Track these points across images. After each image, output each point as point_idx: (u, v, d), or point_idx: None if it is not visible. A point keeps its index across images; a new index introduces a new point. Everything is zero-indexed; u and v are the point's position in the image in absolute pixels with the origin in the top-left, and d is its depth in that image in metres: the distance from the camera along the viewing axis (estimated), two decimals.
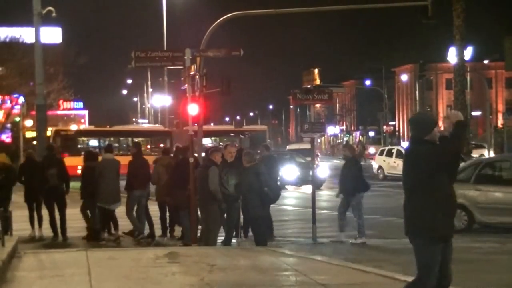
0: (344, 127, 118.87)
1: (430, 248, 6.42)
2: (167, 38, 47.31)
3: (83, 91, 77.72)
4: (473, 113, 61.97)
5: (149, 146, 46.60)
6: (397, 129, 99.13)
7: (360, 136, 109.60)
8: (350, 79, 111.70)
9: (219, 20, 23.44)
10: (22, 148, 40.64)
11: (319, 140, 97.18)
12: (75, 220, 16.30)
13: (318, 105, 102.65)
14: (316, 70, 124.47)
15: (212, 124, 52.99)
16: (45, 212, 16.33)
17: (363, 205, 15.35)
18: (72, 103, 76.30)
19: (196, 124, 16.82)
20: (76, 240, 15.75)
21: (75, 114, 79.10)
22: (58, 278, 10.10)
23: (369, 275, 10.21)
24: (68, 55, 56.26)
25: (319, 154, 49.24)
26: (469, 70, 54.91)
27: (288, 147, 55.24)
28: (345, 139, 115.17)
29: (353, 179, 15.23)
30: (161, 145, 46.52)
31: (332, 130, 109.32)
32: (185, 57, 15.71)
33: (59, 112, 69.97)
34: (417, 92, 77.40)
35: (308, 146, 31.07)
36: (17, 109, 57.03)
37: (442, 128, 6.85)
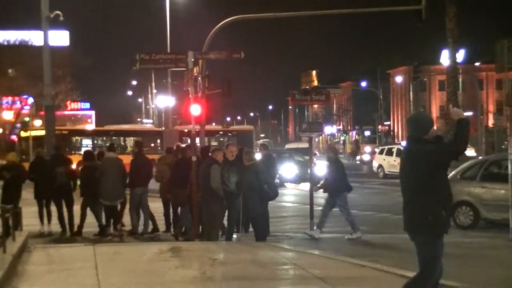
0: (341, 127, 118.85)
1: (435, 244, 6.40)
2: (170, 41, 47.30)
3: (89, 92, 77.65)
4: (465, 114, 61.81)
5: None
6: (391, 128, 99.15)
7: (356, 136, 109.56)
8: (346, 81, 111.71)
9: (220, 24, 23.43)
10: (17, 146, 40.45)
11: (317, 139, 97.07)
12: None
13: (316, 106, 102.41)
14: (314, 72, 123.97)
15: (214, 124, 52.95)
16: (53, 209, 16.37)
17: (348, 203, 15.34)
18: (79, 103, 76.22)
19: (191, 124, 16.71)
20: (84, 235, 15.75)
21: (82, 114, 78.98)
22: (66, 271, 10.11)
23: (365, 269, 10.21)
24: (75, 58, 56.29)
25: (317, 153, 49.20)
26: (461, 72, 54.83)
27: (287, 146, 55.20)
28: (342, 138, 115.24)
29: (337, 180, 15.19)
30: (152, 145, 46.39)
31: (329, 129, 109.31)
32: (188, 60, 15.73)
33: (66, 112, 69.96)
34: (411, 93, 77.39)
35: (306, 145, 31.04)
36: (26, 110, 57.09)
37: (435, 128, 6.81)
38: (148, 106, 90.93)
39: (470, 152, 47.08)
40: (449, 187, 6.56)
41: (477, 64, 70.44)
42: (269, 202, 14.35)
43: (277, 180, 17.08)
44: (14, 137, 53.46)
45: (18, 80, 55.59)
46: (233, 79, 23.95)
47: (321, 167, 34.55)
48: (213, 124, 53.74)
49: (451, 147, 6.47)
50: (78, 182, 16.75)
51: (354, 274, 9.81)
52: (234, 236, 14.01)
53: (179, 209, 15.68)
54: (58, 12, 22.99)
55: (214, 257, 11.07)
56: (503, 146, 52.21)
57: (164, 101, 68.34)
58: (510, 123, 15.10)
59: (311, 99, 17.22)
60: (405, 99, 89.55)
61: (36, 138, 41.81)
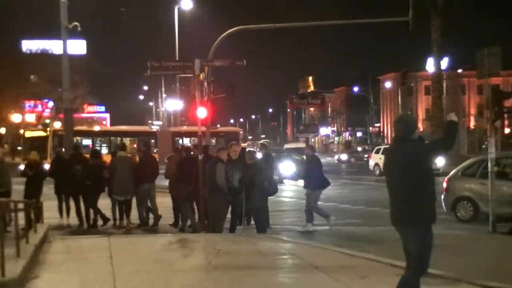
0: (335, 128, 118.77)
1: (430, 235, 6.33)
2: (178, 48, 47.32)
3: (105, 96, 77.75)
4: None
5: (135, 145, 46.03)
6: (382, 130, 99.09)
7: (349, 136, 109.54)
8: (340, 86, 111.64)
9: (224, 34, 23.42)
10: (22, 146, 40.29)
11: (313, 140, 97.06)
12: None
13: (312, 109, 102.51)
14: (310, 78, 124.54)
15: (218, 125, 52.92)
16: (72, 203, 16.37)
17: (318, 200, 15.32)
18: (95, 107, 76.32)
19: (187, 125, 16.74)
20: (101, 227, 15.75)
21: (98, 116, 79.01)
22: (83, 260, 10.13)
23: (358, 258, 10.20)
24: (91, 65, 56.33)
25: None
26: (445, 78, 54.84)
27: (285, 146, 55.21)
28: (336, 138, 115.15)
29: (314, 175, 15.15)
30: (135, 145, 46.07)
31: (325, 131, 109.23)
32: (195, 66, 15.74)
33: (84, 115, 70.01)
34: (399, 97, 77.31)
35: (303, 145, 31.07)
36: (47, 112, 57.13)
37: (421, 130, 6.78)
38: (158, 109, 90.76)
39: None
40: (434, 181, 6.52)
41: (459, 71, 70.38)
42: (269, 197, 14.34)
43: (276, 177, 17.04)
44: None
45: (40, 85, 55.72)
46: (236, 85, 23.90)
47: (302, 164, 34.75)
48: (218, 125, 53.64)
49: (441, 144, 6.45)
50: None
51: (347, 263, 9.81)
52: (237, 228, 14.02)
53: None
54: (76, 23, 23.02)
55: (219, 248, 11.07)
56: (483, 146, 52.16)
57: (173, 104, 68.36)
58: (490, 125, 15.08)
59: (308, 102, 17.31)
60: (394, 102, 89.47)
61: (38, 138, 41.74)
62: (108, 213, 16.05)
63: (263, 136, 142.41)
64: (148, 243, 12.37)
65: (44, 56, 52.76)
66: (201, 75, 15.97)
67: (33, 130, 44.78)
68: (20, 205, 11.46)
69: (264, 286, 8.17)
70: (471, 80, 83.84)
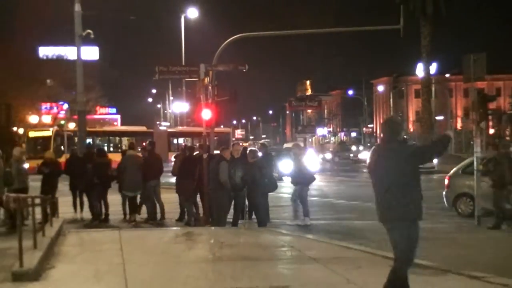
0: (331, 129, 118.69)
1: (417, 231, 6.29)
2: (184, 54, 47.30)
3: (116, 99, 77.63)
4: (437, 118, 61.79)
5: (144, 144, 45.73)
6: (374, 130, 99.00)
7: (344, 136, 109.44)
8: (336, 89, 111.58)
9: (228, 40, 23.37)
10: (26, 146, 39.99)
11: (310, 140, 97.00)
12: (111, 206, 16.25)
13: (309, 111, 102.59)
14: (308, 82, 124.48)
15: (222, 126, 52.88)
16: (85, 199, 16.36)
17: (306, 197, 15.23)
18: (107, 109, 76.17)
19: (184, 126, 16.73)
20: (112, 222, 15.73)
21: (109, 118, 78.85)
22: (96, 252, 10.13)
23: (352, 250, 10.19)
24: (104, 69, 56.31)
25: (312, 150, 49.08)
26: (434, 82, 54.79)
27: (285, 145, 55.09)
28: (332, 138, 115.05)
29: (301, 172, 15.11)
30: (144, 144, 45.84)
31: (321, 131, 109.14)
32: (200, 71, 15.72)
33: (96, 116, 69.90)
34: (391, 100, 77.27)
35: (301, 144, 31.02)
36: (62, 114, 57.10)
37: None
38: (165, 111, 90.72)
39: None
40: (421, 180, 6.48)
41: (447, 75, 70.27)
42: (269, 193, 14.33)
43: (276, 174, 17.02)
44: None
45: (55, 89, 55.80)
46: (239, 88, 23.93)
47: (313, 163, 34.70)
48: (222, 126, 53.62)
49: (431, 149, 6.41)
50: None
51: (343, 255, 9.79)
52: (239, 222, 14.01)
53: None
54: (89, 31, 23.00)
55: (222, 240, 11.06)
56: (471, 142, 51.97)
57: (179, 106, 68.35)
58: (476, 126, 15.07)
59: (306, 105, 17.34)
60: (386, 105, 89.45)
61: (41, 138, 41.54)
62: (114, 209, 16.02)
63: (263, 136, 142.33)
64: (156, 236, 12.37)
65: (59, 61, 52.70)
66: (205, 79, 15.95)
67: (36, 130, 44.47)
68: (37, 201, 11.46)
69: (264, 276, 8.16)
70: (458, 84, 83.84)
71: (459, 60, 15.82)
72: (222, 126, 47.64)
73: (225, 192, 13.26)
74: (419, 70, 48.94)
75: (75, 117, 38.62)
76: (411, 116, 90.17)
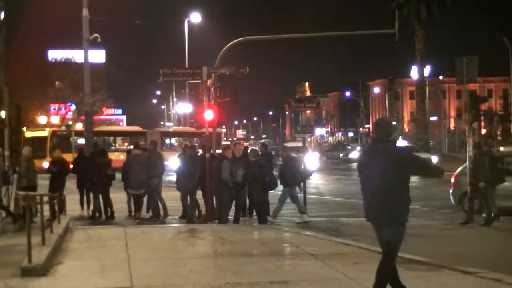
0: (329, 129, 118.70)
1: (403, 230, 6.23)
2: (188, 56, 47.27)
3: (122, 100, 77.61)
4: (431, 118, 61.77)
5: (126, 144, 45.45)
6: (371, 131, 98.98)
7: (342, 136, 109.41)
8: (334, 91, 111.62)
9: (229, 44, 23.32)
10: (22, 146, 39.86)
11: (309, 140, 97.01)
12: (116, 203, 16.23)
13: (308, 112, 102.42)
14: (307, 84, 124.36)
15: (223, 127, 52.83)
16: (92, 197, 16.32)
17: (297, 197, 15.18)
18: (113, 109, 76.12)
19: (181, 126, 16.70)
20: (118, 219, 15.70)
21: (115, 118, 78.78)
22: (102, 248, 10.11)
23: (349, 246, 10.17)
24: (110, 72, 56.36)
25: (310, 150, 49.01)
26: (428, 84, 54.79)
27: (284, 145, 54.98)
28: (330, 138, 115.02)
29: (290, 174, 15.05)
30: (140, 143, 45.42)
31: (319, 131, 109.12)
32: (203, 73, 15.70)
33: (102, 117, 69.86)
34: (387, 101, 77.29)
35: (300, 144, 30.99)
36: (70, 115, 57.06)
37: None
38: (169, 112, 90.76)
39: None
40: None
41: (441, 77, 70.31)
42: (270, 191, 14.30)
43: (275, 173, 16.98)
44: None
45: (63, 90, 55.92)
46: (240, 89, 23.87)
47: (312, 163, 34.66)
48: (224, 127, 53.57)
49: (422, 168, 6.52)
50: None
51: (340, 251, 9.77)
52: (241, 219, 13.98)
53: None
54: (96, 34, 23.00)
55: (224, 237, 11.03)
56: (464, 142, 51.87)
57: (183, 107, 68.29)
58: (468, 126, 15.03)
59: (305, 106, 17.24)
60: (382, 106, 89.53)
61: (38, 138, 41.31)
62: (118, 206, 15.98)
63: (264, 136, 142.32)
64: (160, 233, 12.35)
65: (67, 64, 52.83)
66: (208, 81, 15.93)
67: (33, 130, 44.26)
68: (45, 198, 11.44)
69: (265, 271, 8.13)
70: (451, 85, 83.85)
71: (452, 63, 15.82)
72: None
73: (227, 190, 13.23)
74: (414, 73, 48.93)
75: (82, 117, 38.62)
76: (406, 117, 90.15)
